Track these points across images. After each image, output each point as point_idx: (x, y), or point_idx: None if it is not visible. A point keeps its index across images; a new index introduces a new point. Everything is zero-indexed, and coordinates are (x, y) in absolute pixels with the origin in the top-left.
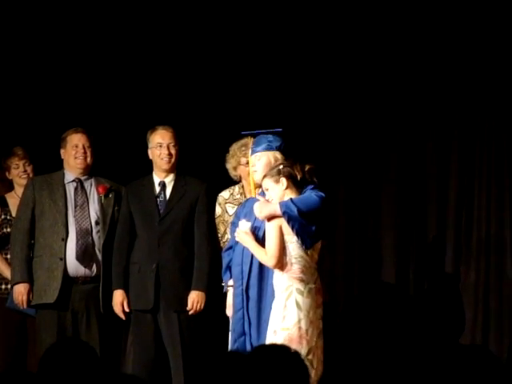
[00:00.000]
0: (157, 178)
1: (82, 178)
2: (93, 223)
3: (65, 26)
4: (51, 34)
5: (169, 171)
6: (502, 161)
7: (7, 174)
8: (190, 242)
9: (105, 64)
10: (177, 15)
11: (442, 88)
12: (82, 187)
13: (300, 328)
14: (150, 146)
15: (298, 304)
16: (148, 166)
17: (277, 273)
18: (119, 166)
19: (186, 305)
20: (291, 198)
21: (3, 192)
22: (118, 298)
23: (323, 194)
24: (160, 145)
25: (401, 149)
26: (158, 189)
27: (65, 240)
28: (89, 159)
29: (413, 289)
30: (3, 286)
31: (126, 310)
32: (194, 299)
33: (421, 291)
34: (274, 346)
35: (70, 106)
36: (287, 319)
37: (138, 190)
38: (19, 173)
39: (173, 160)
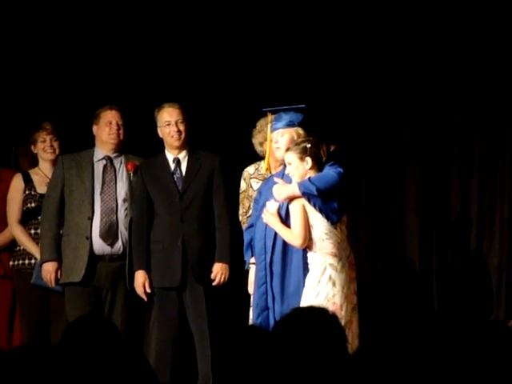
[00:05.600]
0: (170, 156)
1: (112, 156)
2: (120, 201)
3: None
4: (70, 14)
5: (181, 148)
6: None
7: (33, 147)
8: (210, 216)
9: (127, 42)
10: None
11: (467, 65)
12: (112, 165)
13: (334, 303)
14: (158, 124)
15: (332, 279)
16: (159, 144)
17: (310, 252)
18: (136, 144)
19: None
20: (309, 177)
21: (26, 167)
22: (140, 278)
23: (341, 170)
24: (168, 123)
25: (424, 125)
26: (172, 166)
27: (91, 219)
28: (121, 136)
29: (436, 266)
30: (26, 261)
31: (148, 290)
32: (218, 271)
33: (444, 269)
34: (312, 308)
35: (96, 83)
36: (321, 294)
37: (152, 169)
38: (45, 147)
39: (183, 136)
